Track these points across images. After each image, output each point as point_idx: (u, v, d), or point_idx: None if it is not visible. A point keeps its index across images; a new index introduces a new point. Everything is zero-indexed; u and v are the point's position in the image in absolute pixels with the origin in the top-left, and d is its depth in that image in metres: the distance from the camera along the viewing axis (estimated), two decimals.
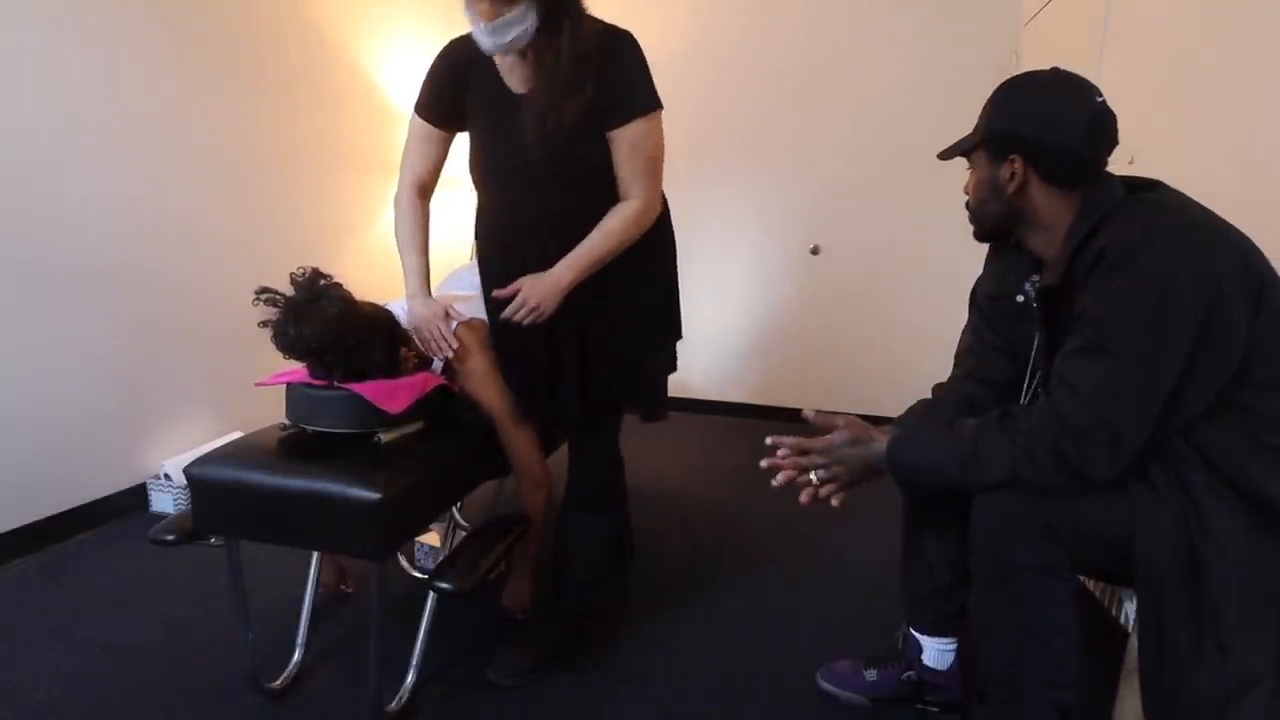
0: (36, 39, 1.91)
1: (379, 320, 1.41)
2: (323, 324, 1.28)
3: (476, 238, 1.55)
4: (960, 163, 1.23)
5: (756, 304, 3.45)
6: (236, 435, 1.99)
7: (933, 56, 3.05)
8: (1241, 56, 1.56)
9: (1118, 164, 1.13)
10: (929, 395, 1.39)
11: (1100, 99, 1.07)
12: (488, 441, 1.56)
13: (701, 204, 3.35)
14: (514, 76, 1.38)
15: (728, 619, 1.77)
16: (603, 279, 1.42)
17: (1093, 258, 1.02)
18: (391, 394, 1.34)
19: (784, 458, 1.22)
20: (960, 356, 1.39)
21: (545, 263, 1.39)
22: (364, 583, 1.83)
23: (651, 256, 1.51)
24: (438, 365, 1.57)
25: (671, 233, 1.60)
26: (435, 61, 1.46)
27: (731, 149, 3.34)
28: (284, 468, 1.28)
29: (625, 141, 1.35)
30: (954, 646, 1.40)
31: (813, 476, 1.20)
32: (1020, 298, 1.23)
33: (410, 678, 1.46)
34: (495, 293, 1.44)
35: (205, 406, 2.47)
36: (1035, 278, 1.21)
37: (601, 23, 1.36)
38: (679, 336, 1.67)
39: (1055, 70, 1.12)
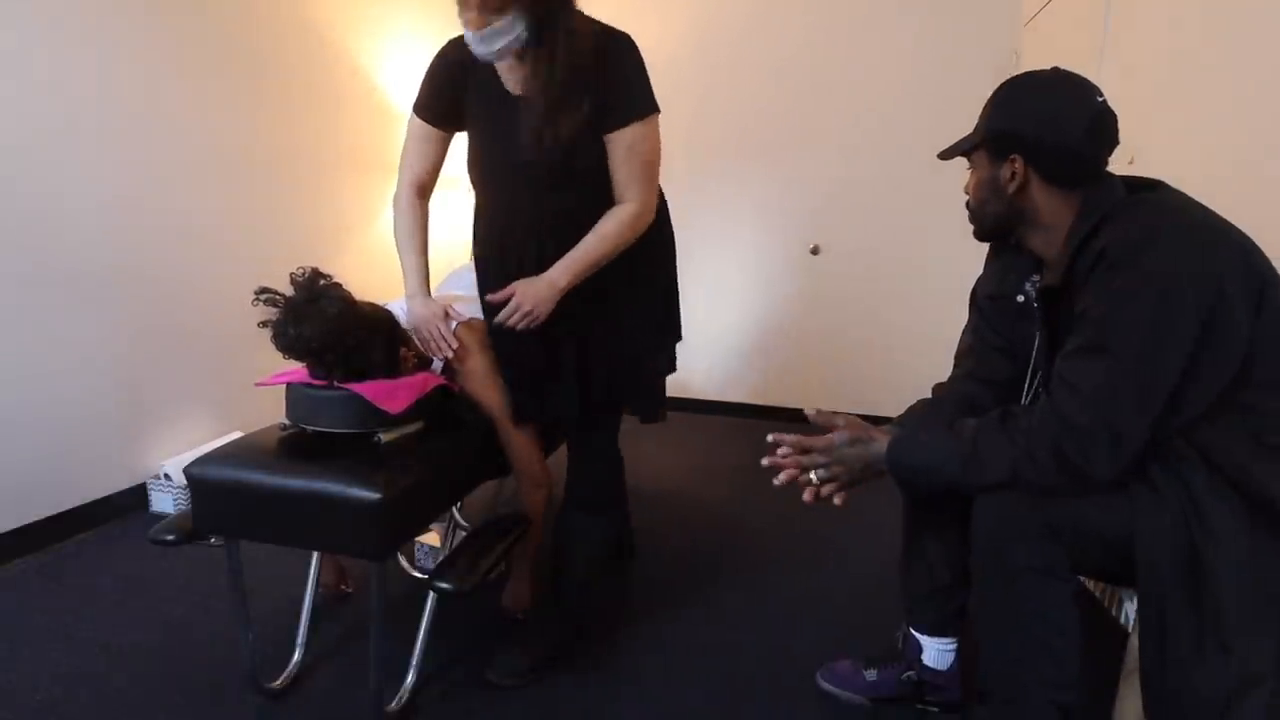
0: (35, 39, 1.91)
1: (379, 320, 1.41)
2: (323, 324, 1.28)
3: (474, 238, 1.54)
4: (960, 162, 1.23)
5: (757, 304, 3.45)
6: (236, 435, 1.99)
7: (933, 56, 3.05)
8: (1241, 57, 1.55)
9: (1118, 164, 1.12)
10: (929, 395, 1.39)
11: (1101, 99, 1.07)
12: (488, 441, 1.56)
13: (701, 204, 3.36)
14: (512, 78, 1.38)
15: (728, 619, 1.77)
16: (601, 281, 1.41)
17: (1094, 257, 1.02)
18: (391, 394, 1.34)
19: (785, 456, 1.22)
20: (960, 356, 1.39)
21: (543, 263, 1.39)
22: (364, 583, 1.83)
23: (651, 258, 1.51)
24: (437, 365, 1.57)
25: (671, 233, 1.60)
26: (434, 61, 1.46)
27: (731, 149, 3.34)
28: (284, 468, 1.28)
29: (622, 144, 1.35)
30: (954, 646, 1.40)
31: (813, 476, 1.20)
32: (1020, 298, 1.23)
33: (410, 678, 1.46)
34: (489, 297, 1.44)
35: (205, 406, 2.47)
36: (1035, 278, 1.21)
37: (598, 24, 1.36)
38: (679, 338, 1.67)
39: (1056, 70, 1.12)
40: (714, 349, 3.51)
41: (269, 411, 1.69)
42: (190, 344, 2.39)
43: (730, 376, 3.53)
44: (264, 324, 1.30)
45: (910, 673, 1.43)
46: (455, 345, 1.49)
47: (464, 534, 1.73)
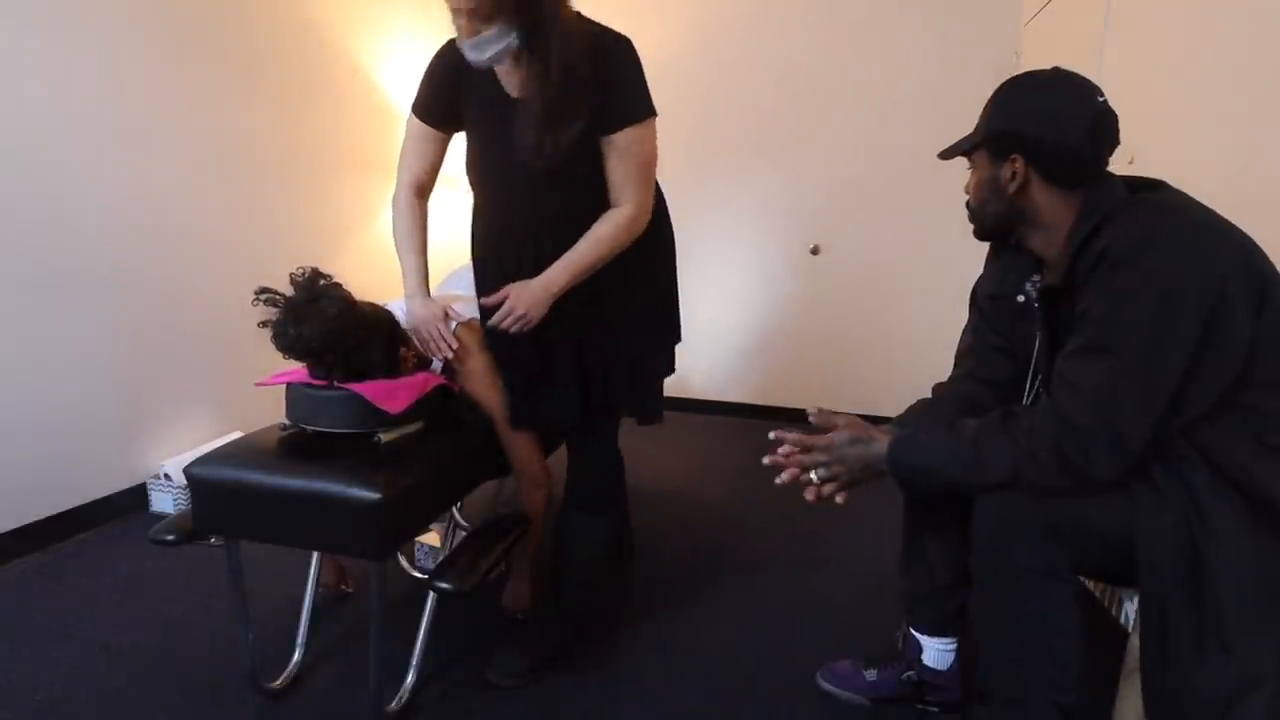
0: (34, 41, 1.91)
1: (379, 320, 1.41)
2: (323, 324, 1.28)
3: (473, 238, 1.54)
4: (960, 162, 1.23)
5: (757, 304, 3.45)
6: (236, 435, 1.99)
7: (933, 56, 3.05)
8: (1241, 57, 1.55)
9: (1117, 164, 1.12)
10: (929, 395, 1.39)
11: (1101, 98, 1.07)
12: (488, 441, 1.56)
13: (702, 204, 3.36)
14: (510, 80, 1.37)
15: (728, 619, 1.77)
16: (599, 282, 1.41)
17: (1095, 258, 1.02)
18: (391, 394, 1.34)
19: (786, 455, 1.22)
20: (960, 356, 1.39)
21: (541, 264, 1.39)
22: (364, 583, 1.83)
23: (650, 257, 1.50)
24: (437, 365, 1.57)
25: (670, 233, 1.60)
26: (432, 62, 1.45)
27: (732, 148, 3.34)
28: (284, 468, 1.28)
29: (617, 148, 1.34)
30: (954, 646, 1.40)
31: (813, 475, 1.20)
32: (1021, 298, 1.23)
33: (410, 678, 1.46)
34: (483, 300, 1.44)
35: (205, 406, 2.47)
36: (1036, 277, 1.21)
37: (594, 26, 1.34)
38: (678, 339, 1.67)
39: (1056, 70, 1.11)
40: (714, 349, 3.51)
41: (269, 411, 1.69)
42: (190, 344, 2.39)
43: (730, 376, 3.53)
44: (264, 324, 1.30)
45: (910, 673, 1.43)
46: (455, 346, 1.49)
47: (464, 534, 1.73)
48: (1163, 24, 1.85)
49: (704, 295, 3.41)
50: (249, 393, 2.21)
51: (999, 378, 1.30)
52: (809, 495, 1.20)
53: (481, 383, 1.53)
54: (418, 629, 1.48)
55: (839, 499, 1.19)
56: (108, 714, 1.39)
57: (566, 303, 1.40)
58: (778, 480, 1.22)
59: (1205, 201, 1.04)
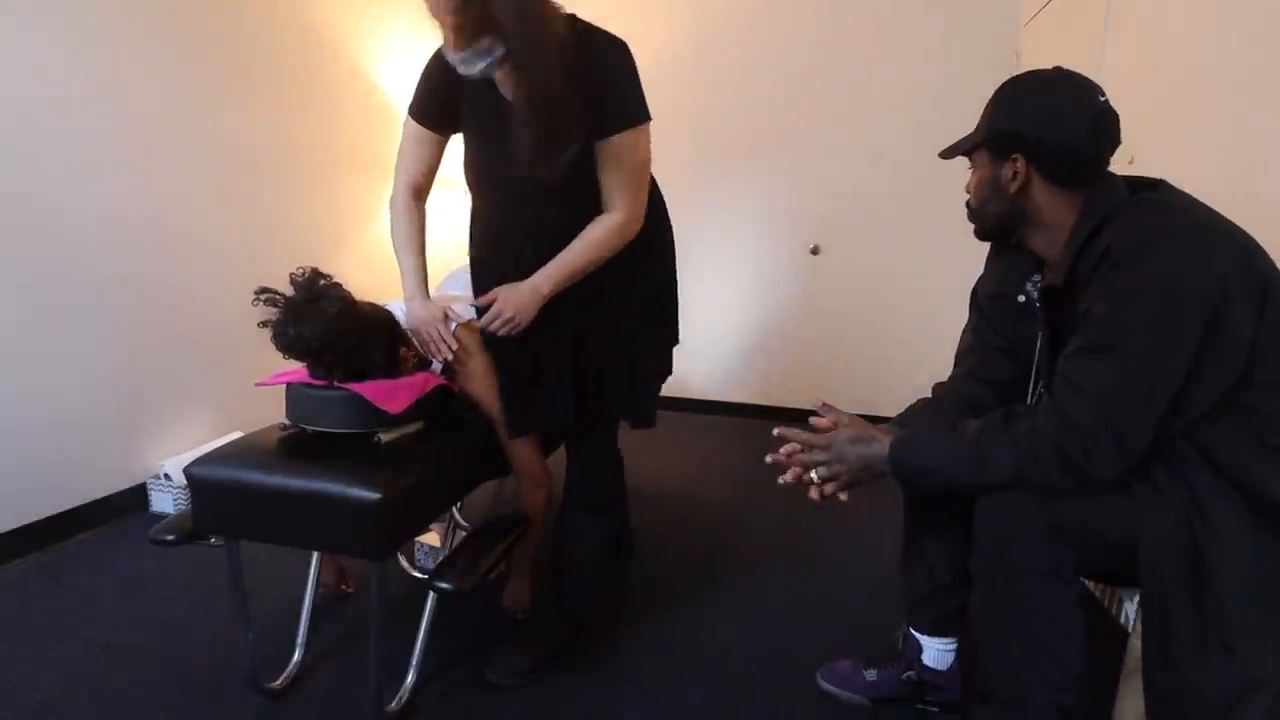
0: (34, 42, 1.91)
1: (379, 320, 1.41)
2: (323, 324, 1.28)
3: (470, 239, 1.54)
4: (960, 162, 1.23)
5: (757, 304, 3.45)
6: (236, 435, 1.99)
7: (933, 56, 3.05)
8: (1241, 56, 1.55)
9: (1117, 164, 1.12)
10: (929, 395, 1.39)
11: (1103, 98, 1.07)
12: (488, 441, 1.56)
13: (702, 204, 3.36)
14: (506, 84, 1.36)
15: (728, 619, 1.77)
16: (597, 282, 1.41)
17: (1096, 258, 1.02)
18: (391, 394, 1.33)
19: (788, 455, 1.22)
20: (961, 356, 1.39)
21: (537, 266, 1.38)
22: (364, 583, 1.83)
23: (649, 257, 1.50)
24: (437, 365, 1.57)
25: (669, 232, 1.60)
26: (429, 64, 1.44)
27: (732, 149, 3.34)
28: (284, 468, 1.27)
29: (610, 153, 1.32)
30: (954, 646, 1.40)
31: (813, 475, 1.20)
32: (1022, 297, 1.23)
33: (410, 678, 1.46)
34: (472, 301, 1.44)
35: (205, 406, 2.47)
36: (1037, 277, 1.21)
37: (587, 29, 1.31)
38: (675, 340, 1.67)
39: (1058, 69, 1.11)
40: (714, 349, 3.51)
41: (269, 411, 1.69)
42: (190, 344, 2.39)
43: (730, 376, 3.53)
44: (264, 324, 1.30)
45: (910, 673, 1.43)
46: (455, 346, 1.48)
47: (464, 534, 1.73)
48: (1163, 24, 1.85)
49: (704, 295, 3.41)
50: (249, 393, 2.21)
51: (999, 378, 1.30)
52: (812, 494, 1.20)
53: (481, 383, 1.53)
54: (418, 629, 1.48)
55: (843, 496, 1.19)
56: (108, 714, 1.39)
57: (562, 303, 1.39)
58: (781, 480, 1.22)
59: (1205, 201, 1.04)
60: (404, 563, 1.94)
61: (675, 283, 1.65)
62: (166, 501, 2.26)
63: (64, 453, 2.06)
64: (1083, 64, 1.15)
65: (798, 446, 1.23)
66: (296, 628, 1.57)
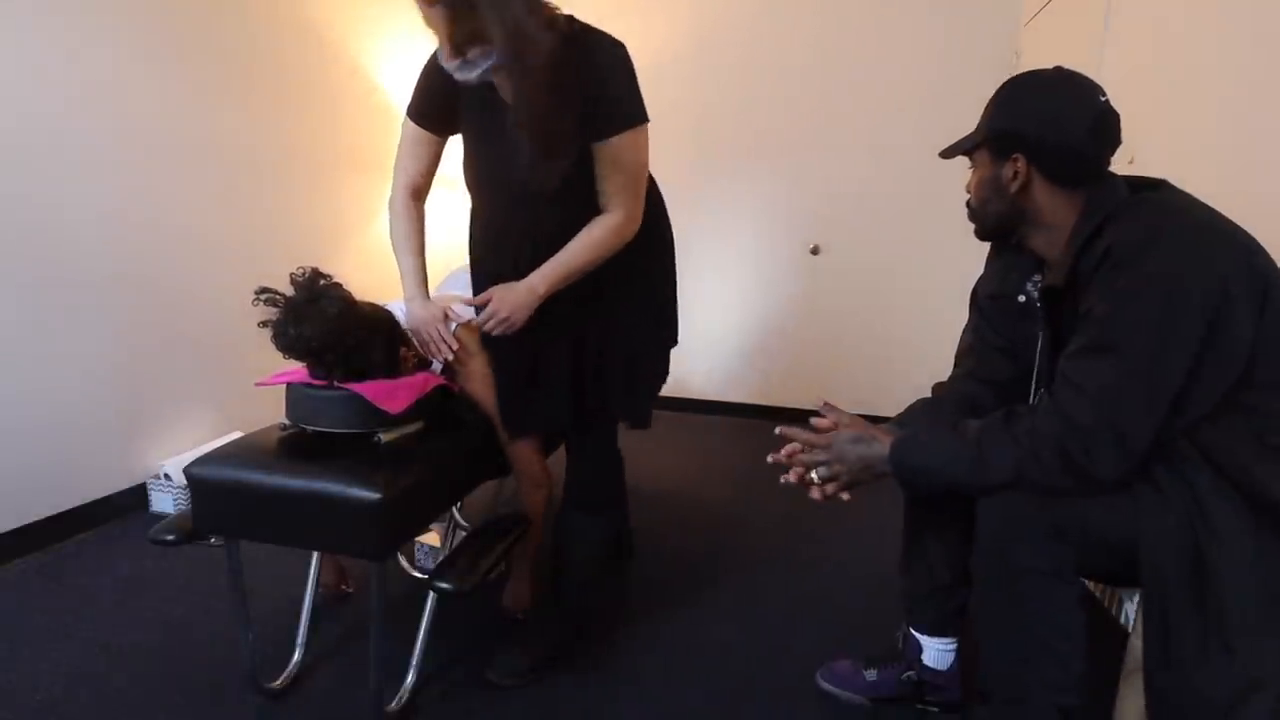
0: (34, 43, 1.91)
1: (379, 320, 1.41)
2: (323, 324, 1.28)
3: (470, 240, 1.54)
4: (961, 162, 1.23)
5: (757, 304, 3.45)
6: (236, 435, 1.99)
7: (933, 56, 3.05)
8: (1241, 56, 1.55)
9: (1117, 164, 1.12)
10: (929, 395, 1.39)
11: (1104, 98, 1.07)
12: (488, 441, 1.56)
13: (702, 203, 3.36)
14: (505, 86, 1.36)
15: (728, 619, 1.77)
16: (596, 281, 1.40)
17: (1097, 258, 1.02)
18: (391, 394, 1.33)
19: (789, 455, 1.23)
20: (961, 356, 1.39)
21: (538, 265, 1.38)
22: (364, 583, 1.83)
23: (648, 256, 1.50)
24: (437, 365, 1.57)
25: (668, 232, 1.59)
26: (427, 65, 1.44)
27: (732, 149, 3.34)
28: (284, 468, 1.27)
29: (607, 155, 1.32)
30: (954, 646, 1.40)
31: (814, 475, 1.20)
32: (1022, 297, 1.23)
33: (410, 678, 1.46)
34: (467, 300, 1.44)
35: (205, 406, 2.47)
36: (1037, 277, 1.21)
37: (585, 30, 1.30)
38: (674, 342, 1.66)
39: (1059, 69, 1.11)
40: (714, 349, 3.51)
41: (269, 411, 1.69)
42: (190, 344, 2.39)
43: (730, 376, 3.53)
44: (264, 324, 1.30)
45: (910, 673, 1.43)
46: (455, 347, 1.48)
47: (464, 534, 1.73)
48: (1163, 24, 1.85)
49: (704, 295, 3.41)
50: (249, 393, 2.21)
51: (999, 378, 1.30)
52: (814, 494, 1.20)
53: (481, 383, 1.54)
54: (418, 629, 1.48)
55: (844, 496, 1.19)
56: (108, 714, 1.39)
57: (561, 303, 1.39)
58: (783, 479, 1.22)
59: (1206, 201, 1.04)
60: (404, 563, 1.94)
61: (674, 282, 1.65)
62: (166, 501, 2.26)
63: (64, 453, 2.06)
64: (1083, 64, 1.15)
65: (799, 446, 1.23)
66: (296, 628, 1.57)
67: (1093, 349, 1.01)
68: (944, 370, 1.41)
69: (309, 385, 1.34)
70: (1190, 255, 0.96)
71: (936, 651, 1.41)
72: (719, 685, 1.53)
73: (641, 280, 1.51)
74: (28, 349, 1.95)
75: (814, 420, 1.25)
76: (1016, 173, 1.11)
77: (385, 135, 3.13)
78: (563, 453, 1.66)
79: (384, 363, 1.39)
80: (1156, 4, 1.88)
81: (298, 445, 1.36)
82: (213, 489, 1.29)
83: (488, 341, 1.48)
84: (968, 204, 1.23)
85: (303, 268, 1.34)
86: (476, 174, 1.45)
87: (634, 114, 1.31)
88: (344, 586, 1.81)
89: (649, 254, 1.51)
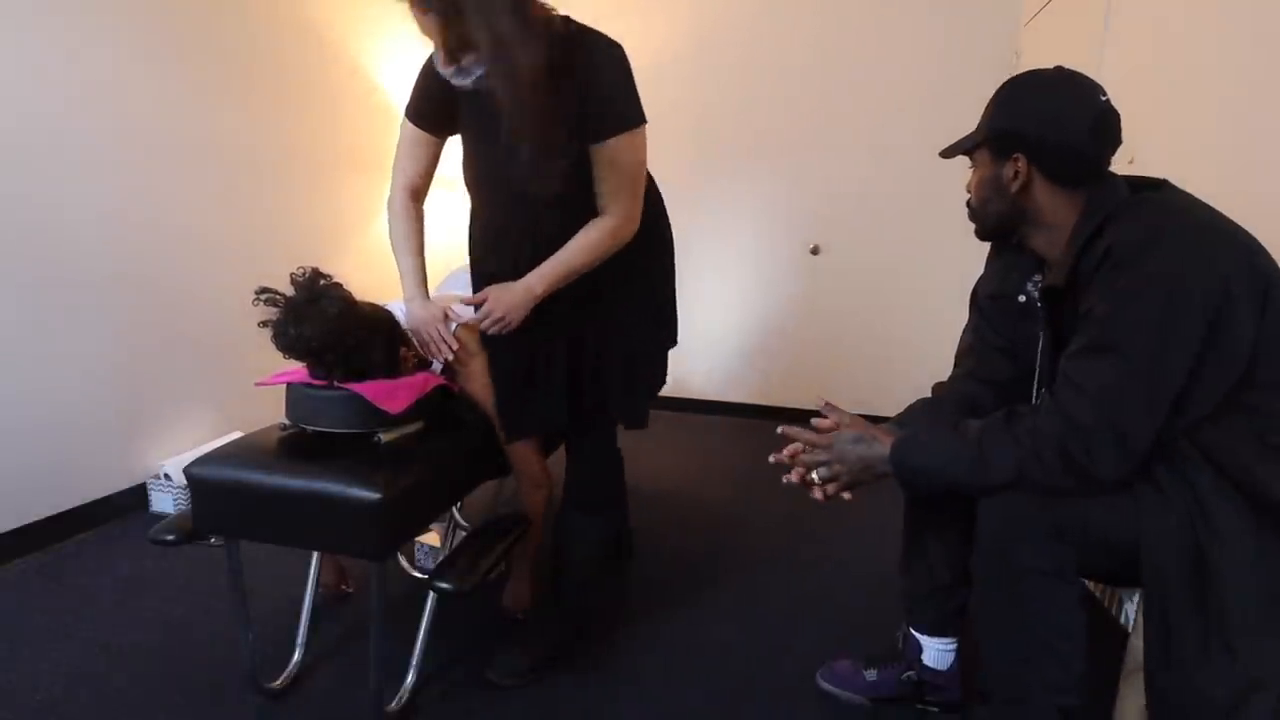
0: (34, 43, 1.91)
1: (379, 320, 1.41)
2: (323, 324, 1.28)
3: (469, 240, 1.54)
4: (961, 162, 1.23)
5: (757, 304, 3.45)
6: (236, 435, 1.99)
7: (933, 56, 3.05)
8: (1241, 56, 1.55)
9: (1117, 165, 1.12)
10: (929, 395, 1.39)
11: (1104, 98, 1.07)
12: (488, 441, 1.56)
13: (702, 203, 3.36)
14: (495, 92, 1.35)
15: (728, 619, 1.77)
16: (595, 281, 1.40)
17: (1098, 258, 1.02)
18: (391, 394, 1.33)
19: (791, 455, 1.23)
20: (961, 356, 1.38)
21: (537, 266, 1.38)
22: (364, 583, 1.83)
23: (647, 255, 1.50)
24: (437, 365, 1.57)
25: (667, 232, 1.59)
26: (425, 66, 1.43)
27: (732, 149, 3.34)
28: (284, 468, 1.27)
29: (604, 157, 1.31)
30: (954, 646, 1.40)
31: (814, 475, 1.20)
32: (1022, 297, 1.23)
33: (410, 678, 1.46)
34: (464, 299, 1.44)
35: (205, 406, 2.47)
36: (1038, 277, 1.21)
37: (582, 31, 1.29)
38: (674, 342, 1.66)
39: (1059, 69, 1.11)
40: (714, 349, 3.51)
41: (269, 411, 1.69)
42: (190, 344, 2.39)
43: (730, 376, 3.53)
44: (264, 324, 1.30)
45: (910, 673, 1.43)
46: (455, 346, 1.48)
47: (464, 534, 1.73)
48: (1163, 24, 1.85)
49: (704, 295, 3.41)
50: (249, 393, 2.20)
51: (999, 378, 1.30)
52: (815, 494, 1.20)
53: (481, 383, 1.53)
54: (418, 629, 1.48)
55: (846, 495, 1.19)
56: (108, 714, 1.39)
57: (559, 302, 1.39)
58: (785, 479, 1.22)
59: (1206, 201, 1.04)
60: (404, 563, 1.93)
61: (674, 283, 1.65)
62: (166, 501, 2.26)
63: (64, 453, 2.06)
64: (1083, 64, 1.15)
65: (801, 446, 1.23)
66: (296, 628, 1.57)
67: (1093, 349, 1.01)
68: (944, 370, 1.41)
69: (309, 385, 1.34)
70: (1191, 255, 0.96)
71: (936, 651, 1.41)
72: (719, 685, 1.53)
73: (641, 280, 1.51)
74: (28, 349, 1.95)
75: (815, 421, 1.25)
76: (1017, 172, 1.11)
77: (385, 135, 3.13)
78: (563, 453, 1.66)
79: (384, 363, 1.39)
80: (1156, 4, 1.88)
81: (298, 445, 1.36)
82: (213, 489, 1.29)
83: (486, 342, 1.48)
84: (968, 204, 1.23)
85: (303, 268, 1.34)
86: (476, 174, 1.45)
87: (631, 116, 1.30)
88: (344, 586, 1.81)
89: (648, 254, 1.51)
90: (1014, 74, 1.17)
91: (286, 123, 2.71)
